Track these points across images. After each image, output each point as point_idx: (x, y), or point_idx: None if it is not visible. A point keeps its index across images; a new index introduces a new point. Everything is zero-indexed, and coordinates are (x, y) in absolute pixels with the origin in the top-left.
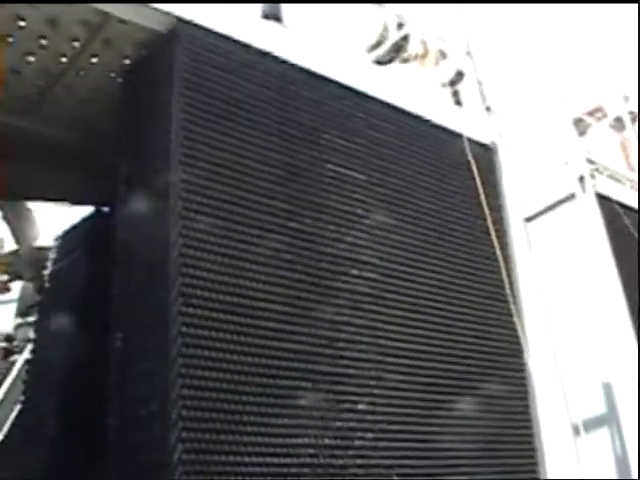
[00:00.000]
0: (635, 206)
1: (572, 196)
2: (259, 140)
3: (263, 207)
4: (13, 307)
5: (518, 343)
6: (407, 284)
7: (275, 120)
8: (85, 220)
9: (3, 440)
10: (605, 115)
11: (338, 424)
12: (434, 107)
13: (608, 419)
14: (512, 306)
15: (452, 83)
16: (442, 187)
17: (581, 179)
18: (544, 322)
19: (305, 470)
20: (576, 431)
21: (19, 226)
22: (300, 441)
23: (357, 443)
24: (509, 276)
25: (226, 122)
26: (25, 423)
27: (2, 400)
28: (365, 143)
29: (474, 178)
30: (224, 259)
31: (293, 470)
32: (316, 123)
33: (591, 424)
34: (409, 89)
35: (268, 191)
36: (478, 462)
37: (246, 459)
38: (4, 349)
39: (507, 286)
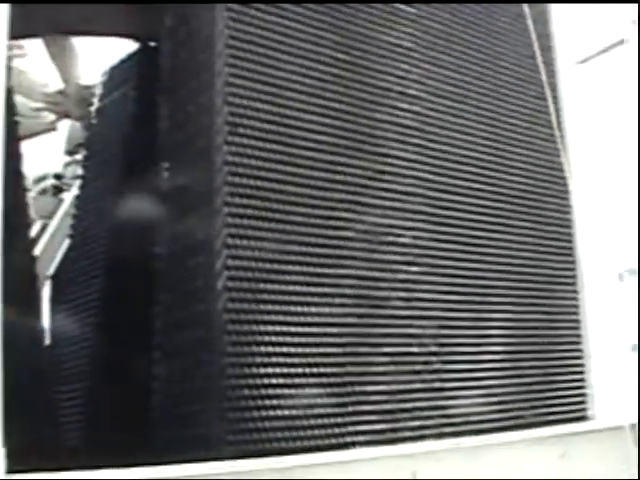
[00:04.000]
0: None
1: (623, 41)
2: None
3: (310, 37)
4: (61, 146)
5: (565, 185)
6: (454, 119)
7: None
8: (132, 55)
9: (54, 274)
10: None
11: (381, 256)
12: None
13: None
14: (560, 146)
15: None
16: (491, 24)
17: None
18: (590, 164)
19: (347, 301)
20: (620, 278)
21: (66, 64)
22: (342, 272)
23: (400, 276)
24: (558, 117)
25: None
26: (74, 257)
27: (53, 235)
28: None
29: (525, 16)
30: (271, 89)
31: (335, 300)
32: None
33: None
34: None
35: (315, 21)
36: (521, 294)
37: (290, 288)
38: (54, 187)
39: (555, 126)
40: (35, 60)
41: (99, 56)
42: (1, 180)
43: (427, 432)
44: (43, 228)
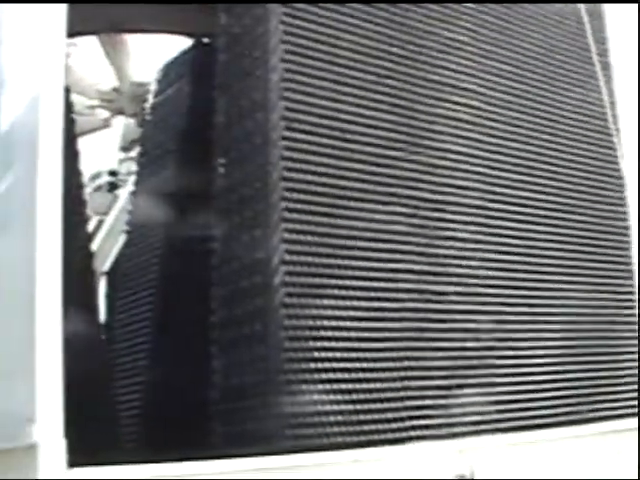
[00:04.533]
0: None
1: None
2: None
3: (366, 32)
4: (116, 143)
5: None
6: (509, 113)
7: None
8: (186, 52)
9: (111, 268)
10: None
11: (438, 251)
12: None
13: None
14: (615, 139)
15: None
16: (546, 17)
17: None
18: None
19: (402, 295)
20: None
21: (120, 62)
22: (399, 266)
23: (456, 271)
24: (613, 109)
25: None
26: (130, 253)
27: (109, 231)
28: None
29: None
30: (327, 84)
31: (392, 295)
32: None
33: None
34: None
35: (371, 16)
36: (578, 288)
37: (347, 282)
38: (109, 183)
39: (610, 119)
40: (89, 58)
41: (153, 53)
42: (61, 178)
43: (484, 427)
44: (99, 225)
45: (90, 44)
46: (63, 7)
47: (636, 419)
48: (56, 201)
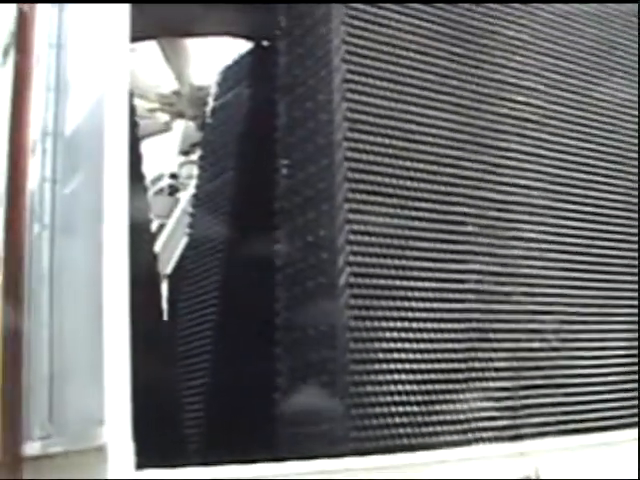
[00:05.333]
0: None
1: None
2: None
3: (427, 32)
4: (176, 146)
5: None
6: (573, 111)
7: None
8: (246, 55)
9: (173, 271)
10: None
11: (504, 251)
12: None
13: None
14: None
15: None
16: (605, 13)
17: None
18: None
19: (470, 296)
20: None
21: (180, 65)
22: (466, 267)
23: (523, 271)
24: None
25: None
26: (193, 255)
27: (170, 234)
28: None
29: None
30: (389, 84)
31: (458, 296)
32: None
33: None
34: None
35: (432, 16)
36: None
37: (412, 283)
38: (170, 186)
39: None
40: (149, 61)
41: (212, 56)
42: (127, 182)
43: (549, 429)
44: (160, 228)
45: (150, 47)
46: (126, 11)
47: None
48: (123, 204)
